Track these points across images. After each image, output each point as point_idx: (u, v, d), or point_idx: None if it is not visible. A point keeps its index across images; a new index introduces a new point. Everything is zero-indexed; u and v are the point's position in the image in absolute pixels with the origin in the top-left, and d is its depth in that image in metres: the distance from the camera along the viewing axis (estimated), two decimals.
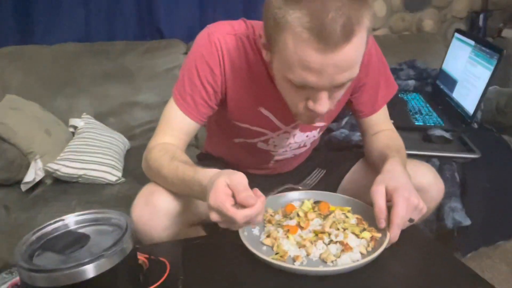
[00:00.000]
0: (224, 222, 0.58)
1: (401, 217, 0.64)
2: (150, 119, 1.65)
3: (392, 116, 0.96)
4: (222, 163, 1.00)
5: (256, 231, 0.71)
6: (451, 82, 1.57)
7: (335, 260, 0.62)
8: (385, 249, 0.62)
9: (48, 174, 1.27)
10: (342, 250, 0.64)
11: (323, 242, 0.66)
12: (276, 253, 0.64)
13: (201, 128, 0.84)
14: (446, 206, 1.18)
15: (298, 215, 0.73)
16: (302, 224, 0.70)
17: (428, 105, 1.60)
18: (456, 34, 1.67)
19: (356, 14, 0.55)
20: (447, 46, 1.73)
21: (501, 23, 2.37)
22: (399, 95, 1.70)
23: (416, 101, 1.64)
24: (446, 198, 1.18)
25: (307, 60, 0.57)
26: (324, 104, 0.63)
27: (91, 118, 1.55)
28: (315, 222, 0.71)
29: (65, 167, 1.25)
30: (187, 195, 0.71)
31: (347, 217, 0.72)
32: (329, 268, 0.60)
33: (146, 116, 1.65)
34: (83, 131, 1.44)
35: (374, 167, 0.84)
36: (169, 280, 0.58)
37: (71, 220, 0.56)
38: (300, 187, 0.84)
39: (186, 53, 1.68)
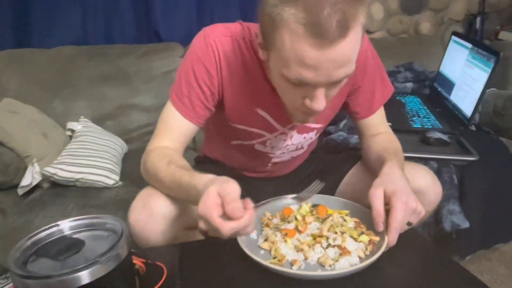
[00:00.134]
0: (211, 231, 0.57)
1: (399, 221, 0.64)
2: (147, 122, 1.64)
3: (390, 118, 0.96)
4: (219, 166, 1.00)
5: (254, 235, 0.71)
6: (449, 85, 1.58)
7: (333, 264, 0.62)
8: (383, 253, 0.62)
9: (45, 178, 1.26)
10: (340, 254, 0.63)
11: (321, 246, 0.65)
12: (274, 257, 0.64)
13: (199, 130, 0.84)
14: (444, 209, 1.17)
15: (296, 218, 0.73)
16: (300, 228, 0.70)
17: (426, 107, 1.60)
18: (453, 37, 1.68)
19: (351, 10, 0.55)
20: (445, 49, 1.73)
21: (498, 26, 2.38)
22: (397, 97, 1.71)
23: (414, 104, 1.65)
24: (444, 201, 1.18)
25: (304, 56, 0.57)
26: (321, 102, 0.63)
27: (89, 121, 1.55)
28: (313, 226, 0.70)
29: (62, 170, 1.24)
30: (184, 199, 0.71)
31: (345, 220, 0.72)
32: (327, 273, 0.60)
33: (144, 119, 1.65)
34: (81, 135, 1.44)
35: (372, 170, 0.84)
36: (166, 285, 0.58)
37: (66, 226, 0.55)
38: (295, 199, 0.80)
39: (183, 56, 1.68)
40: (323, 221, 0.72)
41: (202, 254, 0.68)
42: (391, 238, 0.64)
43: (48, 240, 0.53)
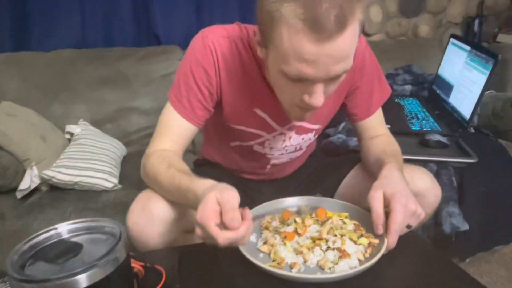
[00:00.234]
0: (207, 239, 0.57)
1: (399, 224, 0.63)
2: (146, 125, 1.64)
3: (389, 121, 0.96)
4: (218, 169, 1.00)
5: (253, 238, 0.71)
6: (447, 87, 1.58)
7: (333, 266, 0.62)
8: (383, 256, 0.62)
9: (44, 181, 1.26)
10: (340, 257, 0.63)
11: (321, 249, 0.65)
12: (273, 260, 0.64)
13: (198, 132, 0.84)
14: (443, 211, 1.17)
15: (295, 221, 0.73)
16: (299, 231, 0.69)
17: (424, 110, 1.61)
18: (452, 39, 1.68)
19: (349, 6, 0.56)
20: (443, 51, 1.74)
21: (496, 28, 2.39)
22: (396, 100, 1.71)
23: (412, 106, 1.65)
24: (443, 203, 1.18)
25: (302, 51, 0.57)
26: (319, 98, 0.64)
27: (88, 125, 1.54)
28: (312, 229, 0.70)
29: (61, 174, 1.24)
30: (183, 203, 0.70)
31: (344, 223, 0.72)
32: (327, 275, 0.60)
33: (143, 122, 1.65)
34: (79, 138, 1.44)
35: (371, 173, 0.84)
36: None
37: (64, 229, 0.55)
38: (296, 211, 0.78)
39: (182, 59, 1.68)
40: (322, 223, 0.71)
41: (201, 257, 0.68)
42: (391, 241, 0.63)
43: (46, 244, 0.53)
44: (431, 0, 2.33)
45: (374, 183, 0.69)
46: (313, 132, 0.91)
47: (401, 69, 1.92)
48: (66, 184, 1.25)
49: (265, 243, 0.68)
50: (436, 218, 1.19)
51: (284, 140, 0.89)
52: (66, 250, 0.51)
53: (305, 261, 0.63)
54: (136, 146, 1.62)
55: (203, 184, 0.62)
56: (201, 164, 1.07)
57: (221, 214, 0.56)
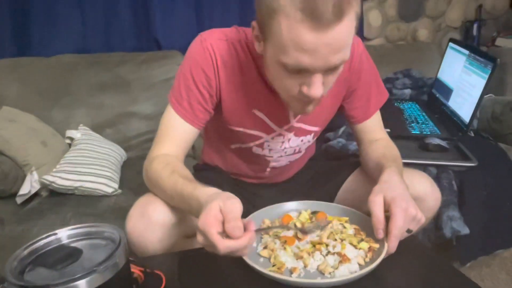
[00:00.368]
0: (208, 246, 0.57)
1: (399, 228, 0.63)
2: (147, 129, 1.64)
3: (388, 125, 0.96)
4: (219, 173, 1.00)
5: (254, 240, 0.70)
6: (447, 91, 1.58)
7: (333, 271, 0.62)
8: (383, 260, 0.61)
9: (44, 186, 1.26)
10: (340, 261, 0.63)
11: (321, 253, 0.65)
12: (273, 265, 0.64)
13: (199, 136, 0.84)
14: (444, 215, 1.17)
15: (295, 225, 0.73)
16: (299, 235, 0.69)
17: (424, 113, 1.61)
18: (451, 44, 1.69)
19: None
20: (442, 55, 1.74)
21: (495, 32, 2.40)
22: (395, 104, 1.71)
23: (412, 110, 1.65)
24: (444, 207, 1.18)
25: (301, 40, 0.58)
26: (318, 88, 0.64)
27: (88, 129, 1.55)
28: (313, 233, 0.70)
29: (61, 179, 1.24)
30: (185, 210, 0.70)
31: (344, 227, 0.72)
32: (327, 280, 0.60)
33: (143, 126, 1.65)
34: (80, 143, 1.44)
35: (371, 177, 0.84)
36: None
37: (63, 234, 0.55)
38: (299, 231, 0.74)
39: None
40: (322, 228, 0.71)
41: (201, 262, 0.68)
42: (391, 246, 0.63)
43: (46, 249, 0.53)
44: (430, 4, 2.34)
45: (374, 187, 0.69)
46: (312, 134, 0.92)
47: (401, 73, 1.92)
48: (66, 189, 1.25)
49: (265, 247, 0.68)
50: (436, 222, 1.19)
51: (283, 142, 0.89)
52: (66, 256, 0.51)
53: (305, 266, 0.63)
54: (136, 151, 1.62)
55: (207, 192, 0.62)
56: (201, 168, 1.07)
57: (223, 223, 0.56)
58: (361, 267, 0.62)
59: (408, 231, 0.66)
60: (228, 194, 0.60)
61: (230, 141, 0.91)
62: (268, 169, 0.97)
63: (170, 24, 1.81)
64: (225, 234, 0.55)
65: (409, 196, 0.67)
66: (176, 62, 1.72)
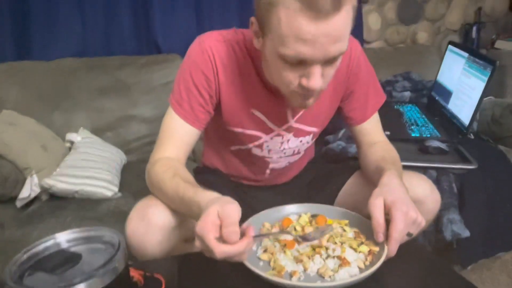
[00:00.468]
0: (206, 251, 0.57)
1: (400, 232, 0.63)
2: (147, 133, 1.65)
3: (388, 127, 0.96)
4: (219, 177, 1.00)
5: (253, 246, 0.70)
6: (446, 94, 1.58)
7: (333, 275, 0.61)
8: (383, 264, 0.61)
9: (44, 190, 1.25)
10: (340, 265, 0.63)
11: (321, 257, 0.65)
12: (273, 269, 0.63)
13: (198, 141, 0.84)
14: (444, 218, 1.17)
15: (295, 229, 0.72)
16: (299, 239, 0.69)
17: (424, 116, 1.61)
18: (450, 46, 1.69)
19: None
20: (442, 58, 1.75)
21: (494, 35, 2.41)
22: (395, 106, 1.71)
23: (412, 113, 1.65)
24: (444, 210, 1.17)
25: (300, 31, 0.59)
26: (317, 79, 0.64)
27: (88, 133, 1.55)
28: None
29: (61, 182, 1.24)
30: (186, 214, 0.70)
31: (344, 230, 0.72)
32: (327, 284, 0.59)
33: (143, 130, 1.65)
34: (80, 146, 1.44)
35: (371, 180, 0.84)
36: None
37: (62, 239, 0.55)
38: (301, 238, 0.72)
39: None
40: (322, 231, 0.71)
41: (201, 265, 0.67)
42: (391, 249, 0.63)
43: (45, 254, 0.53)
44: (429, 7, 2.35)
45: (374, 190, 0.69)
46: (311, 135, 0.92)
47: (400, 76, 1.93)
48: (66, 192, 1.25)
49: (265, 251, 0.68)
50: (437, 225, 1.19)
51: (282, 143, 0.89)
52: (65, 260, 0.51)
53: (305, 269, 0.63)
54: (136, 154, 1.62)
55: (207, 196, 0.62)
56: (201, 171, 1.07)
57: (221, 227, 0.56)
58: (361, 270, 0.62)
59: (409, 234, 0.66)
60: (227, 199, 0.60)
61: (230, 142, 0.91)
62: (268, 171, 0.97)
63: (170, 28, 1.81)
64: (222, 239, 0.55)
65: (409, 199, 0.67)
66: (176, 65, 1.72)
